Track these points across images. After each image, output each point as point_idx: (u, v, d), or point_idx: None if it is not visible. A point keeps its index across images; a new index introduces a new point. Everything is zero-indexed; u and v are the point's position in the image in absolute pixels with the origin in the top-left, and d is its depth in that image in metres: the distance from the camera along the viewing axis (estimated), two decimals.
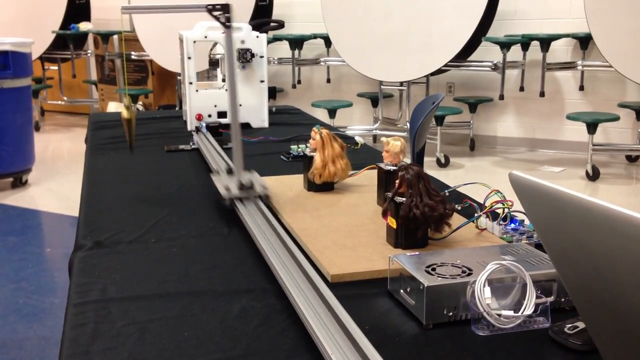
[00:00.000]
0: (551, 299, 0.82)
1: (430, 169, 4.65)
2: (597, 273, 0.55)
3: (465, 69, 5.19)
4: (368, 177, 1.40)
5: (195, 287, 0.92)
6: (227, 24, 1.25)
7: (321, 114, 5.13)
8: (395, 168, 1.20)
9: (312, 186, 1.34)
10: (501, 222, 1.07)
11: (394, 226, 1.01)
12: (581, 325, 0.75)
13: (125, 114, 1.36)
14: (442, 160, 4.81)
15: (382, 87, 5.32)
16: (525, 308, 0.78)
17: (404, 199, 0.99)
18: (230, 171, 1.35)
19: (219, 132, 1.92)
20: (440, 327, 0.79)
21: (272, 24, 2.65)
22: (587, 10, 4.40)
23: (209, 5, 1.24)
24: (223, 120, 2.08)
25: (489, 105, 5.38)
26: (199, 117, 2.06)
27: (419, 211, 0.98)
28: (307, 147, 1.38)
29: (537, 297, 0.79)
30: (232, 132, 1.29)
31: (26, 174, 4.36)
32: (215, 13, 1.25)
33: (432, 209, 0.98)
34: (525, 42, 4.82)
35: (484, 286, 0.78)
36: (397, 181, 1.01)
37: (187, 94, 2.07)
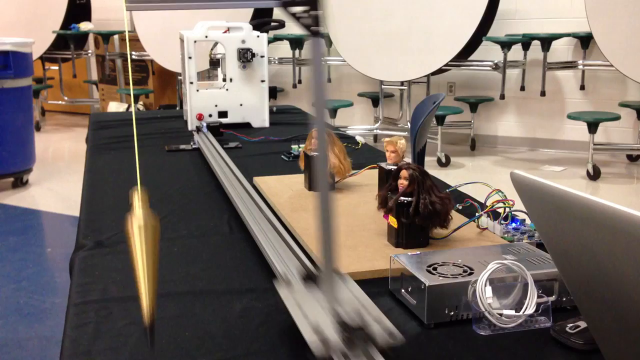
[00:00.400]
0: (552, 298, 0.82)
1: (431, 168, 4.65)
2: (599, 272, 0.55)
3: (466, 69, 5.18)
4: (369, 177, 1.40)
5: (196, 286, 0.92)
6: (314, 29, 0.75)
7: None
8: (395, 167, 1.20)
9: (312, 185, 1.34)
10: (502, 222, 1.07)
11: (395, 226, 1.01)
12: (583, 324, 0.75)
13: (138, 218, 0.64)
14: (443, 160, 4.81)
15: (382, 86, 5.31)
16: (526, 307, 0.78)
17: (409, 198, 0.99)
18: (310, 277, 0.79)
19: (219, 132, 1.92)
20: (442, 327, 0.79)
21: (272, 24, 2.65)
22: (587, 10, 4.40)
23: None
24: (224, 120, 2.08)
25: (489, 105, 5.38)
26: (200, 117, 2.06)
27: (439, 205, 0.98)
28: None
29: (539, 297, 0.79)
30: (321, 211, 0.74)
31: (27, 173, 4.36)
32: (294, 10, 0.76)
33: (444, 203, 0.99)
34: (525, 42, 4.82)
35: (485, 285, 0.78)
36: (400, 181, 1.01)
37: (187, 93, 2.07)
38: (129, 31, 6.08)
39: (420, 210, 0.98)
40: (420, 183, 0.99)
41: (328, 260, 0.70)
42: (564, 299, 0.83)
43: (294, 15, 0.77)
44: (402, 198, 1.00)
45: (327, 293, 0.72)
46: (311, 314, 0.70)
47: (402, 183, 1.01)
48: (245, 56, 2.07)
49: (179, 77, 5.49)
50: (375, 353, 0.65)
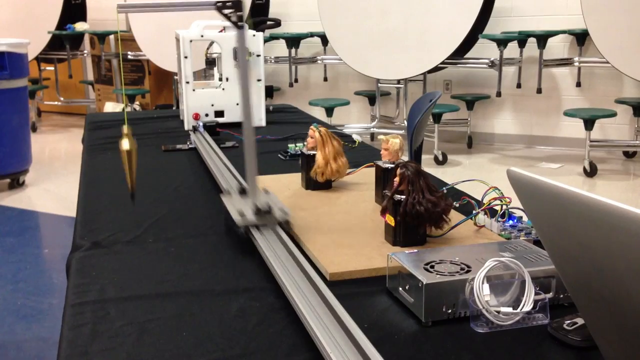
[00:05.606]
0: (550, 295, 0.82)
1: (428, 166, 4.65)
2: (596, 269, 0.55)
3: (462, 67, 5.19)
4: (366, 175, 1.40)
5: (193, 286, 0.92)
6: (239, 24, 1.11)
7: (318, 113, 5.12)
8: (392, 166, 1.20)
9: (310, 184, 1.34)
10: (499, 219, 1.07)
11: (393, 224, 1.01)
12: (580, 321, 0.75)
13: (125, 144, 1.09)
14: (440, 158, 4.81)
15: (379, 85, 5.32)
16: (524, 305, 0.78)
17: (402, 196, 0.99)
18: (243, 191, 1.19)
19: (216, 131, 1.92)
20: (439, 325, 0.79)
21: (268, 23, 2.65)
22: (583, 7, 4.40)
23: (218, 2, 1.12)
24: (220, 120, 2.08)
25: (486, 103, 5.39)
26: (196, 117, 2.05)
27: (423, 207, 0.98)
28: (303, 145, 1.38)
29: (536, 294, 0.79)
30: (246, 147, 1.12)
31: (23, 174, 4.35)
32: (226, 11, 1.12)
33: (435, 205, 0.99)
34: (521, 39, 4.82)
35: (482, 283, 0.78)
36: (395, 179, 1.01)
37: (183, 93, 2.06)
38: (125, 31, 6.07)
39: (407, 210, 0.98)
40: (411, 182, 0.99)
41: (252, 178, 1.12)
42: (561, 295, 0.83)
43: (224, 14, 1.12)
44: (396, 196, 1.00)
45: (250, 195, 1.12)
46: (238, 206, 1.10)
47: (396, 181, 1.01)
48: None
49: (175, 77, 5.48)
50: (276, 226, 1.05)
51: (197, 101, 2.07)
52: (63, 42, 6.12)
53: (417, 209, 0.97)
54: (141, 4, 1.32)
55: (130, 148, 1.09)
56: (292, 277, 0.88)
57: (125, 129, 1.08)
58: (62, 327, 0.82)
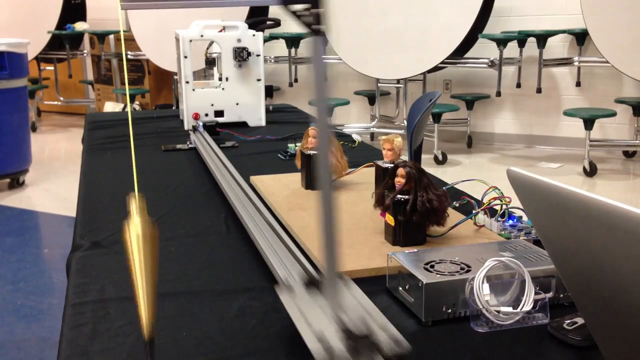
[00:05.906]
0: (550, 295, 0.82)
1: (428, 166, 4.65)
2: (596, 268, 0.55)
3: (462, 66, 5.19)
4: (366, 175, 1.40)
5: (193, 286, 0.92)
6: (315, 27, 0.71)
7: None
8: (392, 165, 1.20)
9: (310, 184, 1.34)
10: (499, 219, 1.07)
11: (392, 224, 1.01)
12: (580, 320, 0.75)
13: (136, 226, 0.59)
14: (440, 158, 4.81)
15: (379, 84, 5.31)
16: (524, 304, 0.78)
17: (406, 196, 0.99)
18: (312, 283, 0.77)
19: (216, 131, 1.92)
20: (440, 324, 0.79)
21: (268, 23, 2.65)
22: (583, 6, 4.40)
23: None
24: (220, 119, 2.08)
25: (486, 102, 5.39)
26: (196, 116, 2.06)
27: (437, 202, 0.98)
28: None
29: (536, 293, 0.79)
30: (322, 209, 0.72)
31: (23, 174, 4.35)
32: (295, 9, 0.73)
33: (442, 200, 0.99)
34: (521, 39, 4.82)
35: (482, 283, 0.78)
36: (397, 179, 1.01)
37: (183, 93, 2.06)
38: (124, 31, 6.06)
39: (417, 208, 0.98)
40: (417, 181, 0.99)
41: (331, 265, 0.67)
42: (561, 295, 0.83)
43: (294, 13, 0.72)
44: (399, 196, 1.00)
45: (330, 299, 0.68)
46: (314, 322, 0.67)
47: (399, 181, 1.01)
48: (241, 55, 2.07)
49: (175, 77, 5.48)
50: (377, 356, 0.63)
51: (196, 101, 2.07)
52: (63, 41, 6.12)
53: (427, 206, 0.98)
54: None
55: (145, 234, 0.58)
56: (292, 277, 0.88)
57: (134, 205, 0.62)
58: (62, 327, 0.82)
